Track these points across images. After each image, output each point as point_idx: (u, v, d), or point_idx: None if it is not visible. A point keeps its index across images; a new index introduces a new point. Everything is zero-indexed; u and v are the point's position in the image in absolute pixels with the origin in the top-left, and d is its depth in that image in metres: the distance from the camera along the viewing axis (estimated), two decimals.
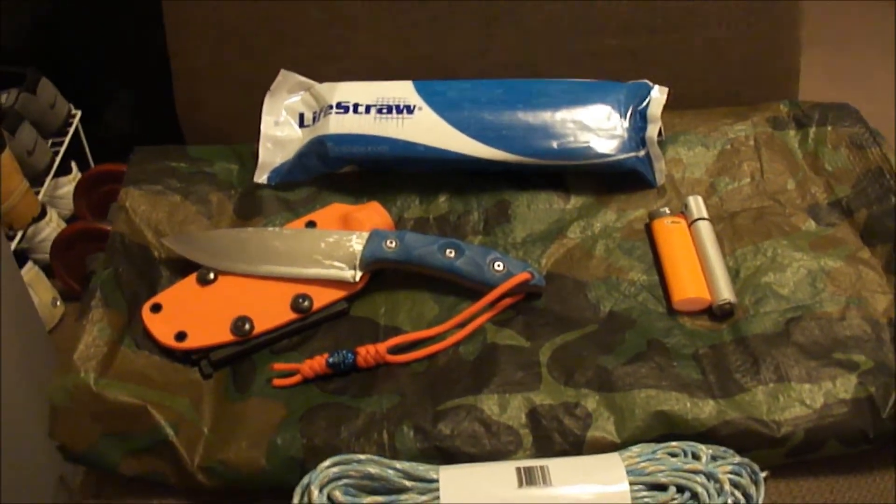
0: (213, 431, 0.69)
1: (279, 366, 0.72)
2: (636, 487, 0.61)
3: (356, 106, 0.88)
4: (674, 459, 0.63)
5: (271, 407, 0.70)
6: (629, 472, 0.61)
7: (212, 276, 0.78)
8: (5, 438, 1.15)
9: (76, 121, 1.95)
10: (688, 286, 0.77)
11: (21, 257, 1.78)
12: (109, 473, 0.69)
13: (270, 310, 0.76)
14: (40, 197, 1.86)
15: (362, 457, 0.62)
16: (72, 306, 1.88)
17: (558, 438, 0.67)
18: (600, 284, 0.79)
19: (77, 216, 1.93)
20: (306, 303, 0.76)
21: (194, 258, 0.79)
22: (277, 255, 0.78)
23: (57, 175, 1.93)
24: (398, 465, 0.61)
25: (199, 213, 0.86)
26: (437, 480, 0.60)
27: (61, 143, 1.91)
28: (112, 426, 0.68)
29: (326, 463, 0.61)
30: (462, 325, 0.75)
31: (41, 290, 1.80)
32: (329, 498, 0.59)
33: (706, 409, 0.68)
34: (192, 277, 0.78)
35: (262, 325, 0.75)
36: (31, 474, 1.20)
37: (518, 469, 0.61)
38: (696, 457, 0.64)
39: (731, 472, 0.63)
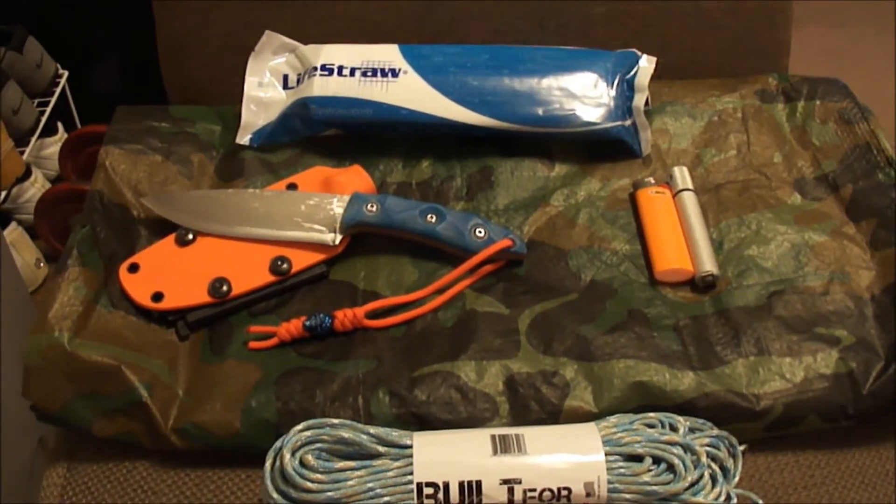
0: (188, 393, 0.68)
1: (256, 328, 0.72)
2: (612, 458, 0.60)
3: (341, 68, 0.87)
4: (651, 430, 0.62)
5: (247, 369, 0.69)
6: (605, 443, 0.61)
7: (190, 236, 0.77)
8: None
9: (63, 81, 1.94)
10: (670, 257, 0.76)
11: (5, 217, 1.77)
12: (83, 434, 0.68)
13: (249, 272, 0.75)
14: (25, 157, 1.85)
15: (335, 421, 0.61)
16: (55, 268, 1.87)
17: (535, 407, 0.66)
18: (582, 253, 0.78)
19: (62, 177, 1.92)
20: (285, 265, 0.75)
21: (173, 218, 0.78)
22: (257, 217, 0.77)
23: (42, 135, 1.92)
24: (371, 430, 0.60)
25: (180, 173, 0.85)
26: (410, 447, 0.60)
27: (47, 103, 1.90)
28: (86, 386, 0.67)
29: (299, 427, 0.60)
30: (441, 290, 0.74)
31: (25, 251, 1.79)
32: (301, 462, 0.58)
33: (685, 381, 0.67)
34: (171, 238, 0.77)
35: (239, 286, 0.74)
36: (10, 434, 1.19)
37: (493, 437, 0.60)
38: (673, 428, 0.63)
39: (708, 445, 0.63)
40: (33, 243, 1.84)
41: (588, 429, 0.62)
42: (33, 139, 1.87)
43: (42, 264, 1.84)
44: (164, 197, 0.81)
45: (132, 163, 0.84)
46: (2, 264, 1.33)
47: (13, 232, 1.76)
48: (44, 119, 1.88)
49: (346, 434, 0.59)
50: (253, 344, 0.71)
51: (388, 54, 0.87)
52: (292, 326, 0.70)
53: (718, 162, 0.86)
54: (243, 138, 0.88)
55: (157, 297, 0.73)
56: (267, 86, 0.91)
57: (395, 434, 0.61)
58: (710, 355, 0.69)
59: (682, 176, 0.82)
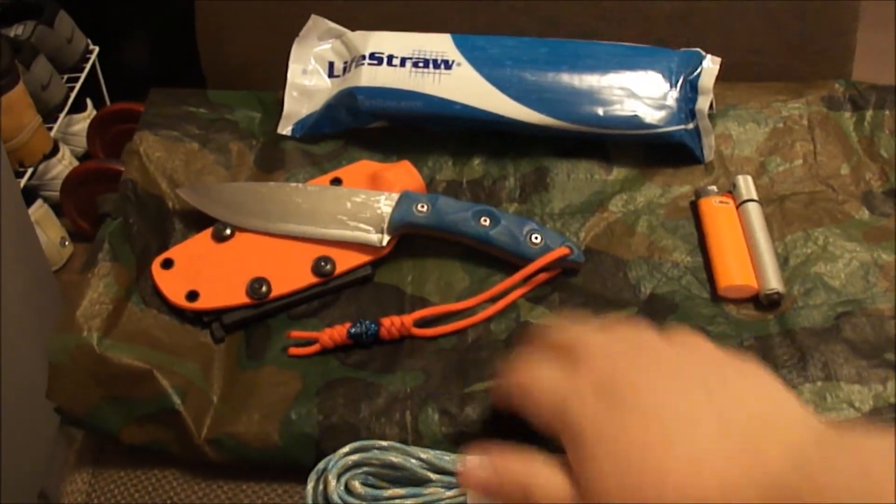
0: (223, 401, 0.65)
1: (296, 333, 0.68)
2: None
3: (390, 58, 0.83)
4: None
5: (286, 378, 0.65)
6: None
7: (228, 232, 0.73)
8: (5, 374, 1.12)
9: (93, 57, 1.92)
10: (734, 272, 0.72)
11: (31, 195, 1.76)
12: (110, 438, 0.65)
13: (290, 272, 0.71)
14: (53, 133, 1.84)
15: (384, 444, 0.57)
16: (81, 247, 1.86)
17: None
18: (642, 264, 0.74)
19: (90, 154, 1.90)
20: (328, 266, 0.71)
21: (210, 211, 0.75)
22: (299, 214, 0.73)
23: (71, 112, 1.90)
24: (422, 454, 0.56)
25: (218, 162, 0.81)
26: None
27: (77, 79, 1.88)
28: (115, 390, 0.64)
29: (345, 449, 0.57)
30: (494, 299, 0.70)
31: (50, 229, 1.77)
32: (347, 488, 0.55)
33: None
34: (208, 232, 0.74)
35: (280, 287, 0.70)
36: (30, 416, 1.17)
37: None
38: None
39: None
40: (59, 221, 1.82)
41: None
42: (62, 115, 1.85)
43: (67, 243, 1.83)
44: (201, 188, 0.77)
45: (168, 150, 0.80)
46: (26, 242, 1.31)
47: (39, 209, 1.75)
48: (73, 95, 1.87)
49: (395, 458, 0.55)
50: (293, 350, 0.67)
51: (440, 44, 0.83)
52: (336, 333, 0.66)
53: (784, 171, 0.82)
54: (285, 128, 0.84)
55: (192, 295, 0.69)
56: (311, 73, 0.87)
57: (447, 459, 0.57)
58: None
59: (746, 185, 0.78)
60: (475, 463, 0.52)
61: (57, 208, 1.82)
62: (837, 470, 0.41)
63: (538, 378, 0.53)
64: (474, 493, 0.55)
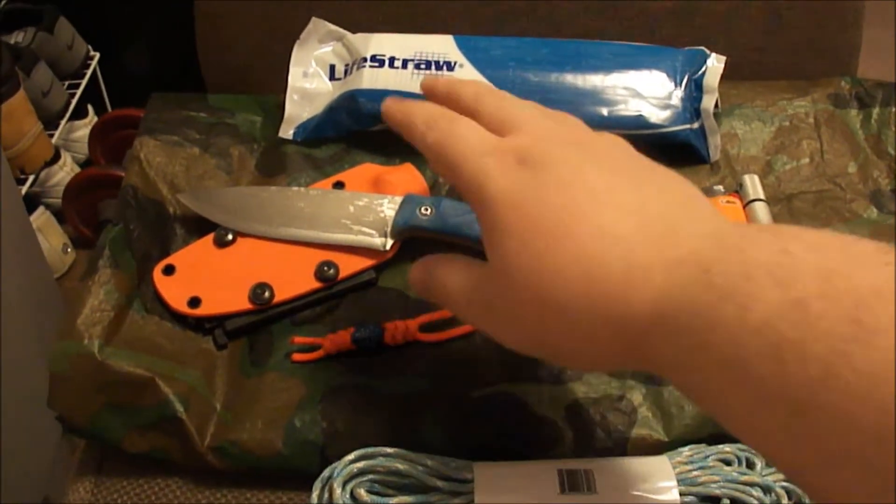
0: (226, 409, 0.64)
1: (300, 339, 0.67)
2: (687, 499, 0.55)
3: (392, 60, 0.82)
4: (728, 469, 0.57)
5: (290, 384, 0.65)
6: (680, 481, 0.56)
7: (230, 237, 0.72)
8: (7, 382, 1.12)
9: (94, 63, 1.92)
10: None
11: (33, 202, 1.75)
12: (111, 448, 0.64)
13: (293, 277, 0.70)
14: (54, 140, 1.83)
15: (389, 451, 0.56)
16: (83, 253, 1.86)
17: (601, 435, 0.61)
18: None
19: (92, 161, 1.90)
20: (332, 271, 0.70)
21: (212, 217, 0.74)
22: (302, 218, 0.72)
23: (72, 118, 1.90)
24: (429, 461, 0.55)
25: (219, 167, 0.80)
26: (471, 480, 0.55)
27: (78, 86, 1.88)
28: (116, 398, 0.63)
29: (351, 457, 0.56)
30: None
31: (52, 236, 1.76)
32: (353, 495, 0.54)
33: None
34: (209, 238, 0.73)
35: (283, 293, 0.69)
36: (33, 424, 1.16)
37: (560, 472, 0.55)
38: (750, 464, 0.58)
39: (785, 480, 0.58)
40: (61, 228, 1.82)
41: (660, 464, 0.57)
42: (63, 122, 1.85)
43: (69, 249, 1.82)
44: (203, 193, 0.76)
45: (168, 155, 0.80)
46: (28, 249, 1.30)
47: (41, 216, 1.74)
48: (74, 102, 1.86)
49: (401, 465, 0.54)
50: (297, 356, 0.66)
51: (442, 46, 0.82)
52: (339, 338, 0.66)
53: (791, 170, 0.81)
54: (287, 132, 0.84)
55: (194, 302, 0.68)
56: (312, 76, 0.86)
57: (454, 465, 0.56)
58: None
59: (753, 185, 0.77)
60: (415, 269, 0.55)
61: (59, 215, 1.81)
62: (756, 243, 0.40)
63: (463, 135, 0.51)
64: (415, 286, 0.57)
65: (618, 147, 0.52)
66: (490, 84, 0.67)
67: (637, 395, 0.63)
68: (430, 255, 0.55)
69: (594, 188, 0.45)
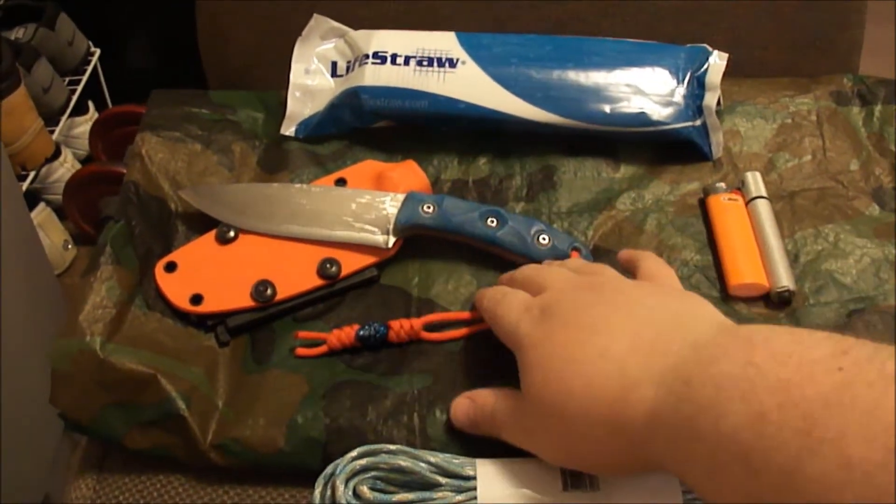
0: (228, 406, 0.64)
1: (304, 334, 0.67)
2: (689, 495, 0.55)
3: (394, 56, 0.82)
4: None
5: (292, 381, 0.64)
6: None
7: (232, 234, 0.72)
8: (8, 379, 1.12)
9: (95, 59, 1.91)
10: (745, 270, 0.71)
11: (33, 198, 1.75)
12: (113, 445, 0.64)
13: (295, 274, 0.70)
14: (55, 136, 1.83)
15: (392, 448, 0.56)
16: (84, 249, 1.85)
17: None
18: None
19: (92, 157, 1.90)
20: (334, 268, 0.70)
21: (214, 213, 0.74)
22: (304, 215, 0.72)
23: (73, 114, 1.89)
24: (431, 458, 0.55)
25: (221, 163, 0.80)
26: (473, 478, 0.55)
27: (78, 82, 1.88)
28: (119, 396, 0.63)
29: (353, 454, 0.55)
30: None
31: (53, 233, 1.76)
32: (355, 492, 0.54)
33: None
34: (211, 235, 0.73)
35: (285, 290, 0.69)
36: (34, 421, 1.16)
37: (563, 470, 0.55)
38: None
39: None
40: (62, 224, 1.82)
41: None
42: (63, 118, 1.85)
43: (70, 246, 1.82)
44: (204, 189, 0.76)
45: (170, 151, 0.79)
46: (29, 245, 1.30)
47: (41, 213, 1.74)
48: (74, 98, 1.86)
49: (403, 463, 0.54)
50: (301, 351, 0.66)
51: (444, 42, 0.82)
52: (344, 335, 0.65)
53: (793, 168, 0.81)
54: (288, 128, 0.84)
55: (196, 299, 0.68)
56: (314, 73, 0.86)
57: (456, 462, 0.56)
58: None
59: (755, 182, 0.77)
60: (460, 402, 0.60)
61: (60, 212, 1.81)
62: (728, 354, 0.44)
63: (507, 299, 0.60)
64: (459, 420, 0.60)
65: (625, 282, 0.59)
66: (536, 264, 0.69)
67: None
68: (469, 391, 0.61)
69: (593, 322, 0.53)
